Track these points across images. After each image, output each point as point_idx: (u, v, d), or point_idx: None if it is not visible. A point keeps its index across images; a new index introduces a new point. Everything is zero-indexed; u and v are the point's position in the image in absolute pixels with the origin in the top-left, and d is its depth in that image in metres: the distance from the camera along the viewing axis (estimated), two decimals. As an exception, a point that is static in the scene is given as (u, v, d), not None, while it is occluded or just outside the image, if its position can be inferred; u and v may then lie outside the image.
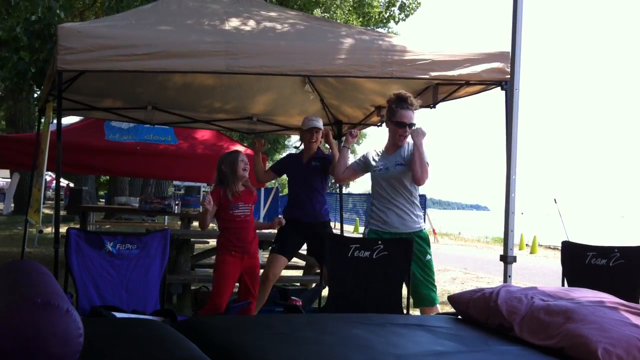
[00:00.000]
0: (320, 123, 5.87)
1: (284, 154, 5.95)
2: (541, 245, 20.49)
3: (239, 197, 4.99)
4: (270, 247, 5.87)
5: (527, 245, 20.12)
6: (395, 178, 4.95)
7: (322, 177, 5.86)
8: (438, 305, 5.01)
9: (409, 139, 5.02)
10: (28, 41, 8.20)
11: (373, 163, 5.06)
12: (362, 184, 47.63)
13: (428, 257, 4.97)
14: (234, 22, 5.13)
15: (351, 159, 5.42)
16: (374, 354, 2.57)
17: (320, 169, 5.81)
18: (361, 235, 5.11)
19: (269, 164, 8.15)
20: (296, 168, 5.89)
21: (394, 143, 5.05)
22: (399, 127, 4.96)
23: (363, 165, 5.16)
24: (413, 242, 4.62)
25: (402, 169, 4.95)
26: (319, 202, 5.82)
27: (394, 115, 4.97)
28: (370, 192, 5.21)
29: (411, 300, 4.86)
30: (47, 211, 19.37)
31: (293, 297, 5.55)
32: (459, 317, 3.55)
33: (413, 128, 4.98)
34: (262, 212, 14.36)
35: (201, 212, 5.15)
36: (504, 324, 3.11)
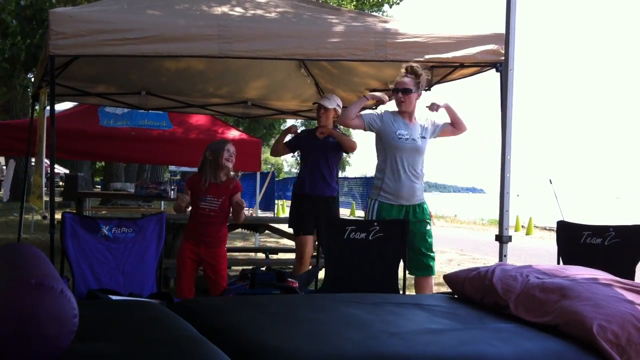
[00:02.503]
0: (328, 102, 5.97)
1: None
2: (537, 227, 20.55)
3: (210, 189, 4.88)
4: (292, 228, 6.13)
5: (522, 226, 20.17)
6: (418, 151, 5.07)
7: (335, 153, 6.04)
8: (433, 277, 5.15)
9: (424, 117, 5.23)
10: (19, 26, 8.12)
11: (393, 128, 5.05)
12: (358, 168, 47.59)
13: (428, 227, 5.11)
14: (225, 7, 5.11)
15: None
16: (369, 332, 2.59)
17: (335, 144, 5.97)
18: (361, 217, 5.15)
19: (264, 149, 8.14)
20: (311, 142, 6.01)
21: (402, 112, 5.12)
22: (394, 92, 5.09)
23: (378, 123, 5.08)
24: (408, 224, 4.66)
25: (425, 143, 5.14)
26: (332, 177, 6.02)
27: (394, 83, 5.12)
28: (379, 162, 5.16)
29: (407, 282, 4.88)
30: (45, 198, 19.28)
31: (290, 279, 5.56)
32: (455, 296, 3.57)
33: (431, 104, 5.22)
34: (258, 198, 14.33)
35: (178, 201, 5.09)
36: (499, 302, 3.12)
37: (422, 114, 5.27)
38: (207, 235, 4.93)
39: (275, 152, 6.51)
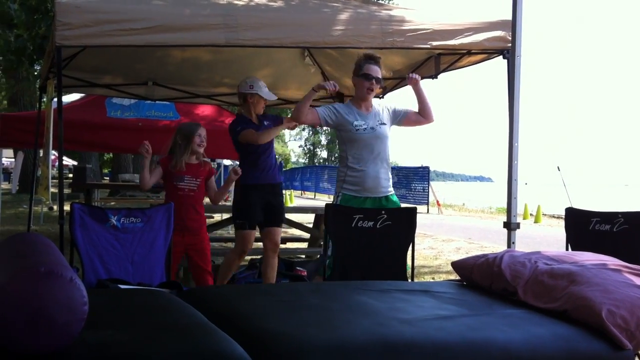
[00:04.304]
0: (268, 95, 5.60)
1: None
2: (545, 215, 20.51)
3: (186, 170, 4.91)
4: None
5: (531, 214, 20.15)
6: (379, 138, 5.00)
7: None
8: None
9: (381, 103, 5.15)
10: (26, 17, 8.12)
11: (349, 120, 4.99)
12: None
13: None
14: None
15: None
16: (378, 318, 2.59)
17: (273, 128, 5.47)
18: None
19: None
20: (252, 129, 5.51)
21: (363, 100, 5.05)
22: (366, 80, 4.99)
23: (332, 117, 5.00)
24: (416, 211, 4.65)
25: (386, 129, 5.05)
26: (275, 161, 5.61)
27: (361, 69, 5.01)
28: (341, 153, 5.11)
29: (416, 270, 4.89)
30: (51, 190, 19.37)
31: (298, 268, 5.58)
32: (464, 283, 3.57)
33: (410, 75, 5.13)
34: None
35: (140, 163, 5.03)
36: (507, 289, 3.12)
37: (378, 101, 5.19)
38: (190, 218, 4.87)
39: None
